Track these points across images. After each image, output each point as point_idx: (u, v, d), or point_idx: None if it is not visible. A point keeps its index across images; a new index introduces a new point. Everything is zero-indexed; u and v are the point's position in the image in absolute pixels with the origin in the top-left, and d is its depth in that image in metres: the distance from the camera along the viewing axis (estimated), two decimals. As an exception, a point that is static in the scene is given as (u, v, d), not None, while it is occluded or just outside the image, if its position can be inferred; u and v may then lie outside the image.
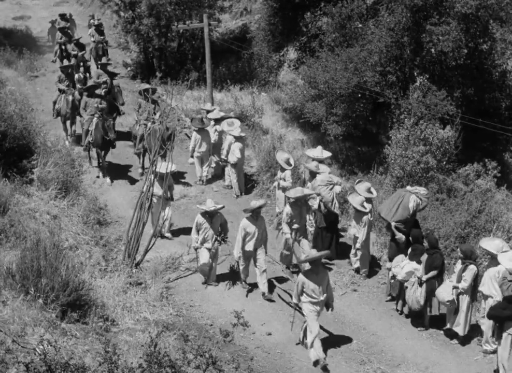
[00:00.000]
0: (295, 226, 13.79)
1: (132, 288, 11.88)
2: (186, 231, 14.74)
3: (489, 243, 11.71)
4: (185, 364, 5.86)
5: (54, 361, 5.42)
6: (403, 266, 12.46)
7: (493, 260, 11.51)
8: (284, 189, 15.80)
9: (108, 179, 18.27)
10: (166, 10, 26.51)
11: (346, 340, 11.97)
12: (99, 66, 24.74)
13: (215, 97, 23.86)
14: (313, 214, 15.15)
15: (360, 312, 12.96)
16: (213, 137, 18.78)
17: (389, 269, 13.06)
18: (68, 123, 20.65)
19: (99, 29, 28.06)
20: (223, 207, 13.58)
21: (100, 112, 18.02)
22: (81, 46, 26.19)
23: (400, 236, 13.42)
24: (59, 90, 21.11)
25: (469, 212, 15.86)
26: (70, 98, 20.12)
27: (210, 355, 5.87)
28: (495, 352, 11.23)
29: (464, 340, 11.91)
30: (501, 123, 19.66)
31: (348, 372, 11.04)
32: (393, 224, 13.53)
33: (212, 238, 13.24)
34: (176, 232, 15.42)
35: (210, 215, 13.24)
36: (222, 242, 13.42)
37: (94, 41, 27.56)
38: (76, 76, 22.46)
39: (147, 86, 21.33)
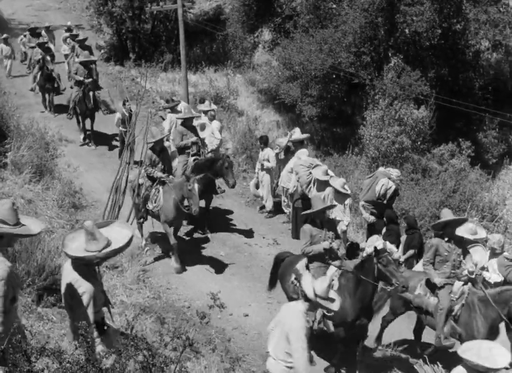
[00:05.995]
0: None
1: (109, 271, 11.84)
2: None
3: (463, 228, 11.60)
4: (162, 346, 5.86)
5: (30, 346, 5.40)
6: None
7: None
8: (268, 170, 15.69)
9: None
10: (139, -9, 26.31)
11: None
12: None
13: (190, 79, 23.71)
14: (289, 195, 15.18)
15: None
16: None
17: (363, 249, 13.14)
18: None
19: (84, 45, 22.16)
20: None
21: None
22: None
23: (366, 215, 13.62)
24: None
25: (443, 191, 16.05)
26: (159, 174, 13.05)
27: (187, 337, 5.86)
28: None
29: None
30: (475, 103, 19.86)
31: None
32: (360, 203, 13.73)
33: None
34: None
35: None
36: None
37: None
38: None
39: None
